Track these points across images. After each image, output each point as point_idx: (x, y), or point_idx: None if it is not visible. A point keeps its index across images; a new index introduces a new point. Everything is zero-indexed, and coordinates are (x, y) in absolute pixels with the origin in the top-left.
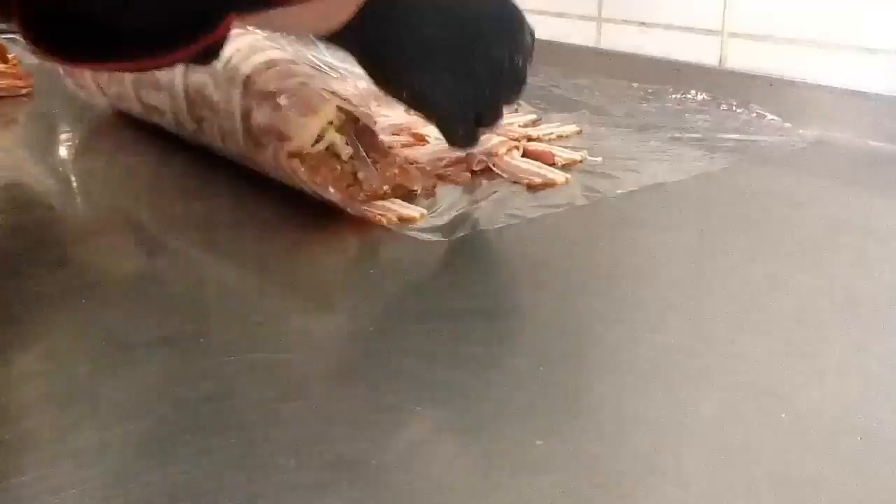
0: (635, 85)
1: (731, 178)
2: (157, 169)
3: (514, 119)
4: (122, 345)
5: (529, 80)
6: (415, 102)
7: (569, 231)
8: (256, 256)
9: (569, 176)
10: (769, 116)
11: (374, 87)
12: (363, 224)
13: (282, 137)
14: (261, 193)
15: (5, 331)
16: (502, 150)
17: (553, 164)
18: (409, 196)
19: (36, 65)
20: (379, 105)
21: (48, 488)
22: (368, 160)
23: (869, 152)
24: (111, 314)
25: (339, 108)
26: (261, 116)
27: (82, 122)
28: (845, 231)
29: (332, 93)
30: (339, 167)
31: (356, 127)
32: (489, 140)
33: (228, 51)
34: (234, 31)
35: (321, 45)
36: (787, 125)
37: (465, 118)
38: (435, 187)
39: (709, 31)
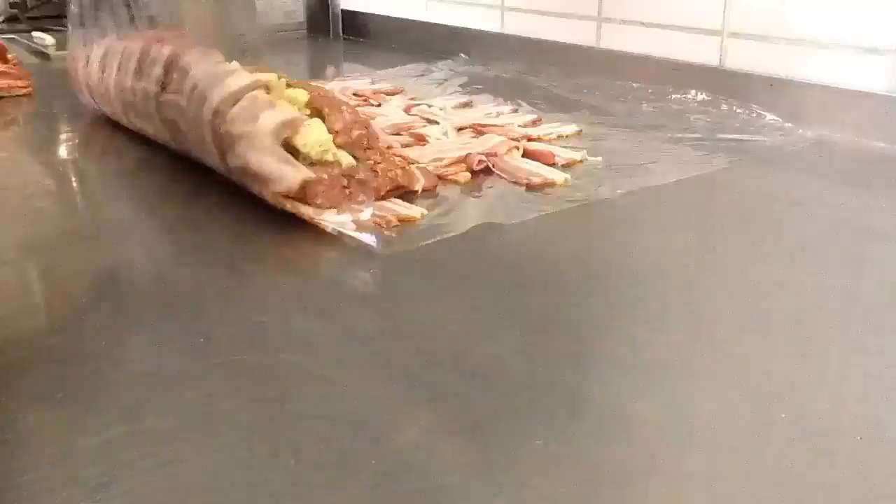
0: (635, 85)
1: (731, 178)
2: (156, 168)
3: (514, 119)
4: (122, 345)
5: (529, 79)
6: None
7: (569, 231)
8: (257, 256)
9: (568, 176)
10: (769, 116)
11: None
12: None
13: (265, 181)
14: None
15: (5, 331)
16: (502, 150)
17: (553, 164)
18: (409, 196)
19: (36, 65)
20: (379, 105)
21: (48, 488)
22: (369, 162)
23: (869, 152)
24: (111, 314)
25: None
26: (237, 160)
27: (82, 122)
28: (845, 231)
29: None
30: (336, 170)
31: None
32: (489, 140)
33: (195, 76)
34: (196, 55)
35: None
36: (787, 125)
37: None
38: (435, 187)
39: (709, 31)
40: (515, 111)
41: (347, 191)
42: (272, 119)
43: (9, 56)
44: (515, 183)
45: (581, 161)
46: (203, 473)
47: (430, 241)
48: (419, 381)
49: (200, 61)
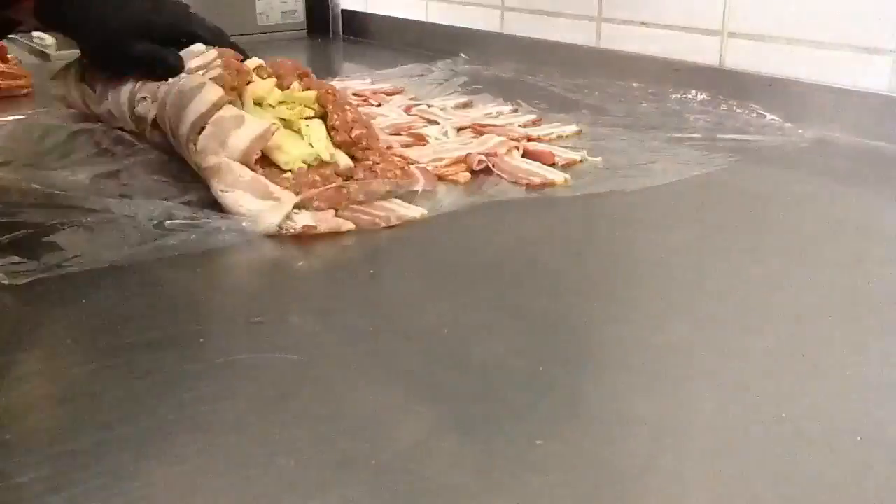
0: (635, 85)
1: (731, 178)
2: (156, 168)
3: (513, 119)
4: (122, 345)
5: (529, 79)
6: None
7: (568, 231)
8: (256, 256)
9: (568, 176)
10: (769, 116)
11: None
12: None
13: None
14: None
15: (5, 330)
16: (502, 150)
17: (553, 164)
18: (409, 196)
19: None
20: (379, 105)
21: (48, 488)
22: (367, 162)
23: (869, 152)
24: (111, 314)
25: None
26: (217, 186)
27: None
28: (845, 231)
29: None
30: (329, 170)
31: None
32: (489, 140)
33: (165, 100)
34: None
35: None
36: (788, 125)
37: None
38: (435, 187)
39: (709, 31)
40: (515, 111)
41: (345, 191)
42: (242, 139)
43: (9, 56)
44: (515, 183)
45: (581, 161)
46: (203, 473)
47: (428, 241)
48: (419, 381)
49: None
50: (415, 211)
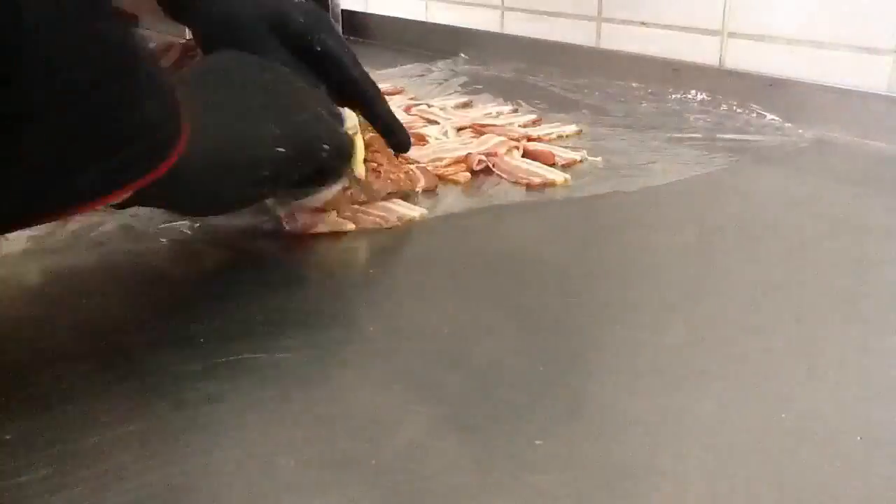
0: (635, 85)
1: (730, 178)
2: None
3: (514, 119)
4: (122, 345)
5: (529, 79)
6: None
7: (568, 231)
8: (256, 256)
9: (568, 176)
10: (769, 116)
11: None
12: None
13: None
14: None
15: (5, 330)
16: (502, 150)
17: (553, 164)
18: (409, 196)
19: None
20: None
21: (48, 488)
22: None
23: (869, 152)
24: (111, 314)
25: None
26: None
27: None
28: (845, 231)
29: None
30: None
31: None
32: (489, 140)
33: None
34: None
35: None
36: (788, 125)
37: None
38: (435, 187)
39: (709, 31)
40: (515, 111)
41: (348, 192)
42: None
43: None
44: (515, 183)
45: (581, 161)
46: (203, 473)
47: (428, 241)
48: (419, 381)
49: None
50: (415, 211)
